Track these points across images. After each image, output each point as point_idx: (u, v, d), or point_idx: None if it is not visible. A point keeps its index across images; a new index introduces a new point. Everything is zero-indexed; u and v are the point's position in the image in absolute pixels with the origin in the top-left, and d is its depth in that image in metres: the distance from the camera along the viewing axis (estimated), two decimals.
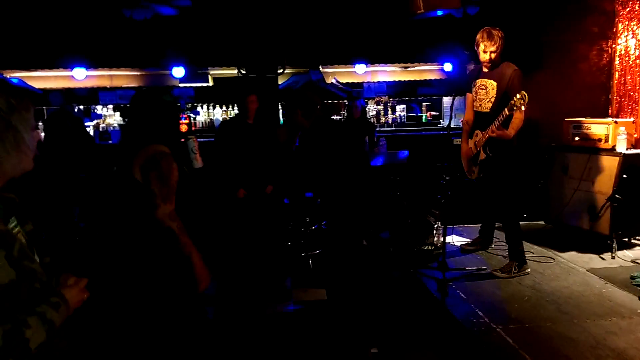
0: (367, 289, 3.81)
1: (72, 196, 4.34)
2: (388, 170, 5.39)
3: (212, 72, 6.60)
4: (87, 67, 5.97)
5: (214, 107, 6.52)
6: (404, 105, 7.14)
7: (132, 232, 2.34)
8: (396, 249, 4.56)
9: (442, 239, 3.95)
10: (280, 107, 6.39)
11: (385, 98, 7.09)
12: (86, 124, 5.91)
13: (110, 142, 5.80)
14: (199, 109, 6.49)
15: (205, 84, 6.58)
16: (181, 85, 6.42)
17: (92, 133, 5.85)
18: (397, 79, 7.22)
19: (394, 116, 7.03)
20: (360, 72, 6.76)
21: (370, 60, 6.70)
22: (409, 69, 7.21)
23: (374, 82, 7.17)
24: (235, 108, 6.56)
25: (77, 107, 6.14)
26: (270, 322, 3.30)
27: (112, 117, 6.22)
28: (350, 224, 4.09)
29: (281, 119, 6.44)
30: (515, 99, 3.59)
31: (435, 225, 4.59)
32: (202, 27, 5.86)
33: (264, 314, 3.40)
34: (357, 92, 6.55)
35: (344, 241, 4.11)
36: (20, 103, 1.29)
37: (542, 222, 5.17)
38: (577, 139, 4.81)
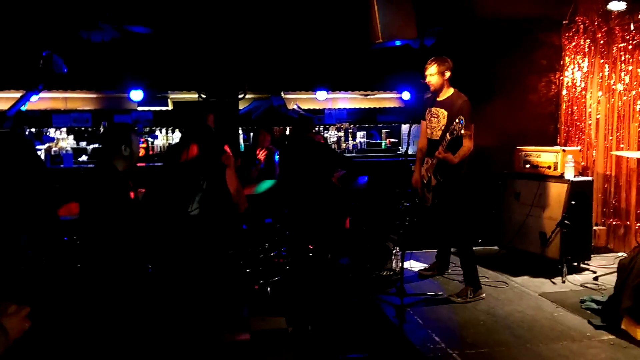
0: (327, 315, 3.78)
1: (20, 222, 4.15)
2: (348, 196, 5.42)
3: (171, 95, 6.52)
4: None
5: (172, 132, 6.43)
6: (364, 132, 7.24)
7: None
8: (355, 274, 4.56)
9: (400, 264, 3.98)
10: (240, 132, 6.37)
11: (345, 125, 7.17)
12: (37, 147, 5.70)
13: (62, 166, 5.60)
14: (157, 133, 6.39)
15: (164, 108, 6.48)
16: (139, 108, 6.31)
17: (43, 157, 5.64)
18: (357, 106, 7.33)
19: (354, 142, 7.11)
20: (322, 99, 6.83)
21: (331, 87, 6.79)
22: (369, 96, 7.35)
23: (334, 108, 7.26)
24: None
25: (28, 130, 5.93)
26: (227, 352, 3.21)
27: (64, 141, 6.02)
28: (316, 245, 4.14)
29: (242, 144, 6.41)
30: (454, 124, 3.73)
31: (394, 251, 4.63)
32: (162, 51, 5.81)
33: (221, 343, 3.30)
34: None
35: (308, 264, 4.15)
36: None
37: (496, 247, 5.30)
38: (527, 166, 4.99)
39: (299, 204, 4.36)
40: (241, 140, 6.34)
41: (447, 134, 3.81)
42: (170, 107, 6.55)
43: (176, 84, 6.21)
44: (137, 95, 5.89)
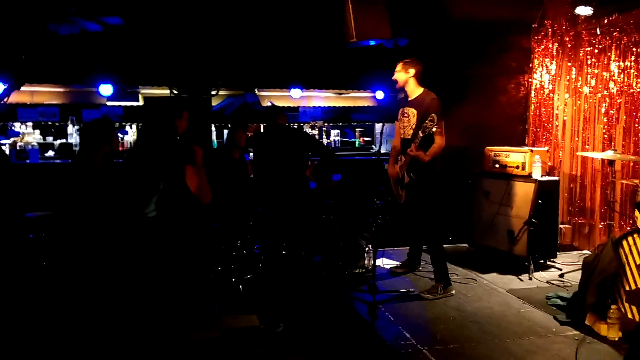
0: (299, 313, 3.77)
1: None
2: (321, 194, 5.43)
3: (142, 91, 6.40)
4: (6, 82, 5.60)
5: None
6: (338, 131, 7.26)
7: None
8: (328, 272, 4.57)
9: (372, 262, 4.00)
10: (213, 129, 6.30)
11: (320, 123, 7.18)
12: (1, 141, 5.51)
13: (27, 161, 5.43)
14: (127, 128, 6.26)
15: (134, 103, 6.36)
16: (109, 103, 6.17)
17: (7, 152, 5.46)
18: (331, 104, 7.35)
19: (329, 141, 7.12)
20: (296, 97, 6.81)
21: (306, 85, 6.78)
22: (343, 95, 7.37)
23: (309, 107, 7.25)
24: None
25: None
26: (197, 349, 3.18)
27: (31, 135, 5.84)
28: (289, 242, 4.13)
29: (215, 141, 6.34)
30: (426, 123, 3.80)
31: (367, 249, 4.66)
32: (134, 45, 5.70)
33: (190, 340, 3.27)
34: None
35: (281, 261, 4.13)
36: None
37: (466, 245, 5.39)
38: (497, 166, 5.10)
39: (272, 198, 4.34)
40: (214, 137, 6.28)
41: (420, 132, 3.88)
42: (141, 103, 6.43)
43: (147, 78, 6.10)
44: (106, 89, 5.76)
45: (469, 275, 4.62)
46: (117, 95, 5.94)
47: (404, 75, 4.14)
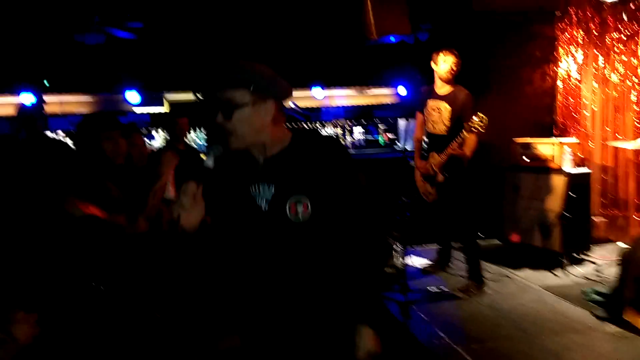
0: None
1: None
2: None
3: (167, 96, 6.51)
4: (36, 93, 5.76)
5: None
6: (362, 129, 7.25)
7: None
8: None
9: (402, 260, 3.99)
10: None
11: (342, 121, 7.18)
12: None
13: None
14: (154, 133, 6.39)
15: (160, 109, 6.47)
16: (137, 110, 6.30)
17: None
18: (354, 102, 7.33)
19: (352, 139, 7.12)
20: (319, 97, 6.82)
21: (327, 83, 6.78)
22: (365, 92, 7.35)
23: (331, 105, 7.26)
24: (192, 132, 6.51)
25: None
26: None
27: None
28: None
29: None
30: (473, 121, 3.72)
31: (395, 247, 4.64)
32: (157, 50, 5.80)
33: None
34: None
35: None
36: None
37: (497, 241, 5.32)
38: (525, 159, 5.01)
39: None
40: None
41: (464, 132, 3.80)
42: (165, 108, 6.54)
43: (172, 84, 6.19)
44: (132, 96, 5.87)
45: (501, 272, 4.56)
46: (143, 101, 6.06)
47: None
